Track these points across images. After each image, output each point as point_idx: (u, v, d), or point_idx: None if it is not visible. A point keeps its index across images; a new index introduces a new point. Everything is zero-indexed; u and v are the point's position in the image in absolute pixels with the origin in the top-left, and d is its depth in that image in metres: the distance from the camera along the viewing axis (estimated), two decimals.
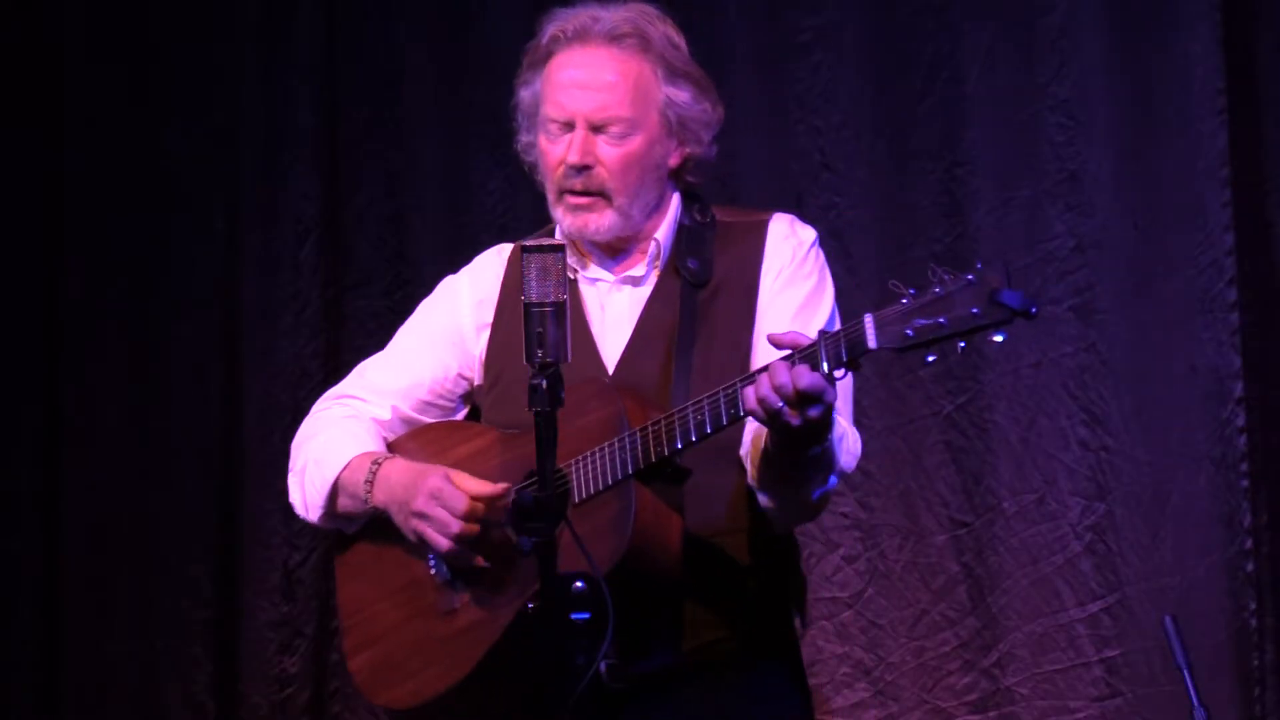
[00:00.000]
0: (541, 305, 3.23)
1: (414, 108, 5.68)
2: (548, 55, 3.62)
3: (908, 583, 5.20)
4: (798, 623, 3.64)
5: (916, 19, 5.26)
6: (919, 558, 5.19)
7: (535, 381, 3.21)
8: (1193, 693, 3.93)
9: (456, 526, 3.48)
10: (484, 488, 3.49)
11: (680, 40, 3.64)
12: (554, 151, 3.59)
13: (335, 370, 5.66)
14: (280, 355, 5.69)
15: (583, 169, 3.56)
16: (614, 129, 3.56)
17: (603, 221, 3.59)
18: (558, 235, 3.66)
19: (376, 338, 5.62)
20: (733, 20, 5.37)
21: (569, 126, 3.57)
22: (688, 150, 3.64)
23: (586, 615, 3.26)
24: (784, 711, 3.60)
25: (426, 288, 5.56)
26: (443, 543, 3.50)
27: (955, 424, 5.19)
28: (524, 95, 3.68)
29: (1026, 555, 5.12)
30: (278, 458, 5.63)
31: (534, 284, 3.23)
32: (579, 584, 3.28)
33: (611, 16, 3.59)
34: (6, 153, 5.82)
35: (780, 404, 3.18)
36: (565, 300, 3.23)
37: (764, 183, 5.30)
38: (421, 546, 3.58)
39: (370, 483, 3.62)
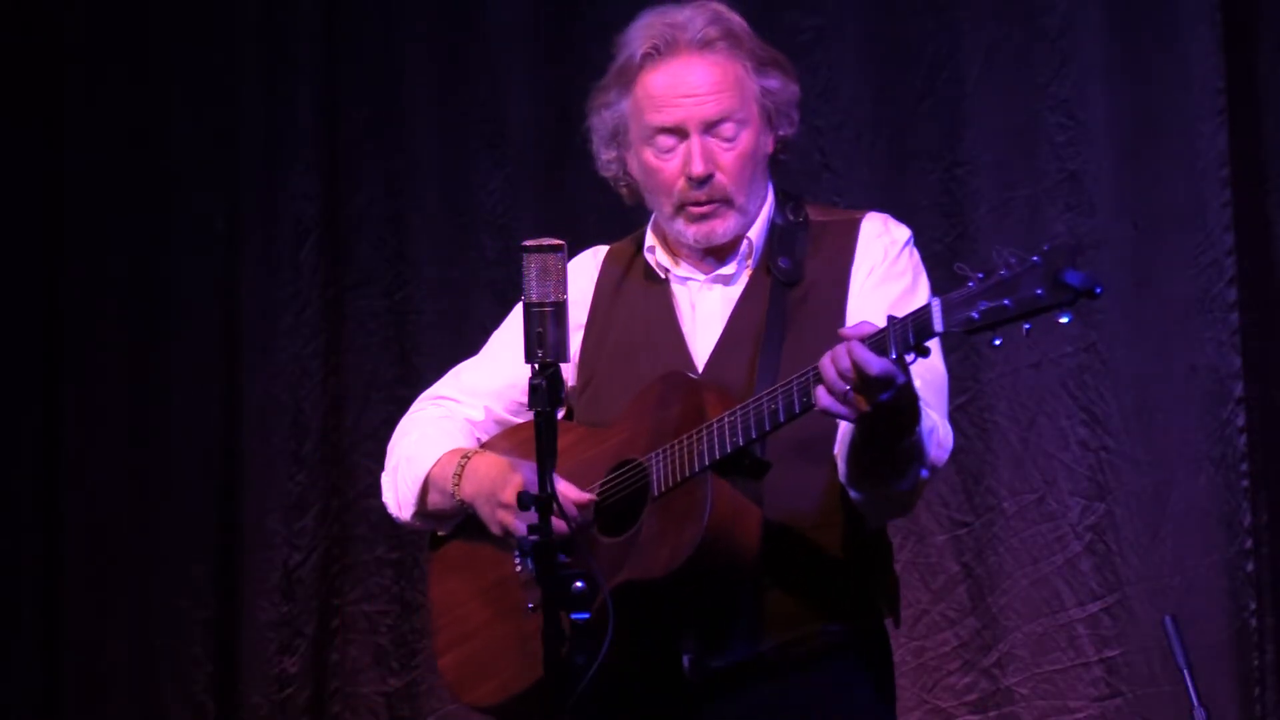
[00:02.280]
0: (541, 305, 3.23)
1: (414, 108, 5.68)
2: (639, 71, 3.59)
3: (908, 583, 5.20)
4: (889, 622, 3.61)
5: (916, 19, 5.27)
6: (919, 558, 5.19)
7: (535, 382, 3.21)
8: (1193, 693, 3.93)
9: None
10: (571, 491, 3.48)
11: (748, 27, 3.65)
12: (669, 167, 3.57)
13: (335, 370, 5.67)
14: (280, 355, 5.69)
15: (706, 179, 3.55)
16: (727, 129, 3.55)
17: (728, 224, 3.59)
18: (648, 239, 3.67)
19: (377, 338, 5.64)
20: None
21: (680, 135, 3.56)
22: (781, 133, 3.65)
23: (586, 615, 3.26)
24: (866, 711, 3.57)
25: (427, 288, 5.62)
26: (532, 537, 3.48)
27: (955, 424, 5.15)
28: (605, 116, 3.65)
29: (1026, 555, 5.12)
30: (278, 458, 5.67)
31: (534, 284, 3.23)
32: (579, 584, 3.28)
33: (694, 22, 3.58)
34: (7, 152, 5.81)
35: (846, 387, 3.18)
36: (565, 300, 3.23)
37: None
38: (506, 540, 3.57)
39: (459, 475, 3.61)
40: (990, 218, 5.17)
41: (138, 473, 5.77)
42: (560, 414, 3.71)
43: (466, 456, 3.63)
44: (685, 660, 3.45)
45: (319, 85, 5.72)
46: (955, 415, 5.17)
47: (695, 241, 3.60)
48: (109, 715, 5.76)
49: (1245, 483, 4.96)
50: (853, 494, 3.45)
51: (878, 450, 3.33)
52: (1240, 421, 4.96)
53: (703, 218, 3.58)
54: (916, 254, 3.65)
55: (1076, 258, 3.05)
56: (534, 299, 3.23)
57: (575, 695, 3.19)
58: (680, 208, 3.58)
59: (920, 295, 3.60)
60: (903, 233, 3.65)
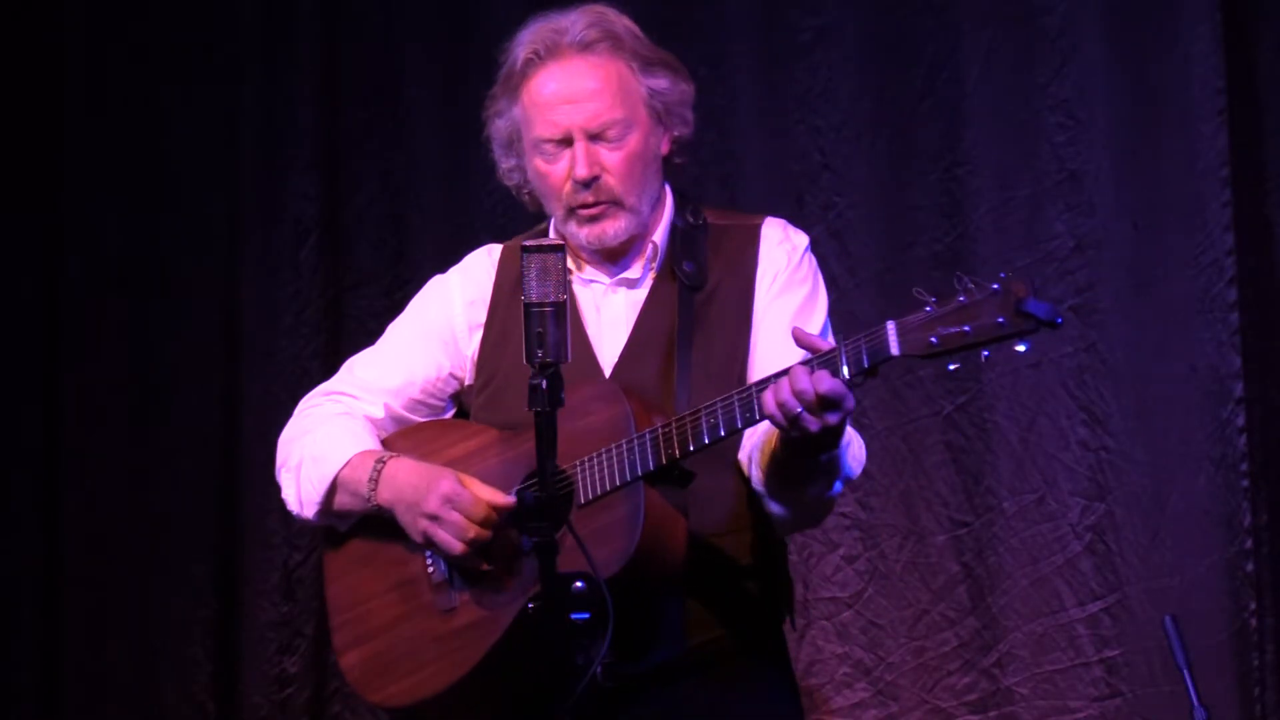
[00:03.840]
0: (542, 305, 3.23)
1: (414, 108, 5.68)
2: (523, 78, 3.62)
3: (908, 583, 5.20)
4: (787, 622, 3.66)
5: (916, 19, 5.26)
6: (919, 558, 5.19)
7: (535, 382, 3.21)
8: (1193, 693, 3.93)
9: (473, 532, 3.49)
10: (498, 497, 3.49)
11: (638, 29, 3.65)
12: (555, 171, 3.60)
13: (335, 370, 5.66)
14: (280, 355, 5.69)
15: (591, 181, 3.56)
16: (611, 132, 3.56)
17: (619, 225, 3.60)
18: (551, 236, 3.67)
19: (377, 337, 5.62)
20: (732, 20, 5.37)
21: (565, 143, 3.57)
22: (675, 133, 3.65)
23: (586, 615, 3.26)
24: (775, 707, 3.62)
25: None
26: (456, 546, 3.50)
27: (955, 424, 5.19)
28: (499, 125, 3.69)
29: (1026, 555, 5.12)
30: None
31: (534, 284, 3.23)
32: (579, 584, 3.28)
33: (575, 26, 3.60)
34: (6, 153, 5.81)
35: (800, 409, 3.19)
36: (565, 300, 3.23)
37: (764, 183, 5.30)
38: (422, 546, 3.58)
39: (375, 481, 3.61)
40: (990, 218, 5.17)
41: (138, 473, 5.77)
42: (451, 413, 3.74)
43: (382, 461, 3.62)
44: (598, 666, 3.45)
45: (319, 85, 5.72)
46: (955, 415, 5.19)
47: (588, 243, 3.61)
48: (109, 715, 5.75)
49: (1245, 483, 4.96)
50: (771, 505, 3.48)
51: (801, 464, 3.36)
52: (1240, 421, 4.96)
53: (593, 219, 3.59)
54: (815, 260, 3.68)
55: (1037, 287, 3.06)
56: (534, 299, 3.23)
57: (575, 696, 3.20)
58: (570, 211, 3.60)
59: (820, 302, 3.63)
60: (802, 239, 3.67)
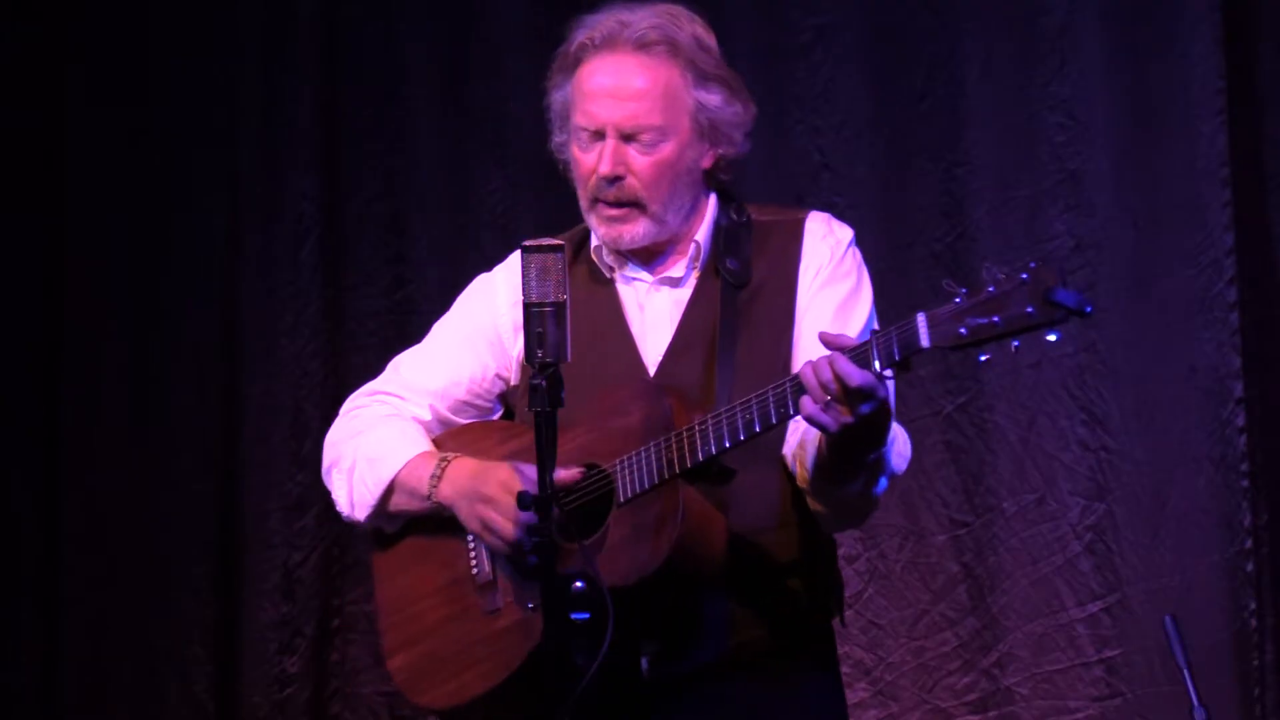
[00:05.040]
0: (541, 305, 3.23)
1: (414, 108, 5.68)
2: (577, 61, 3.60)
3: (908, 583, 5.20)
4: (835, 621, 3.63)
5: (916, 19, 5.27)
6: (919, 558, 5.19)
7: (535, 382, 3.21)
8: (1193, 693, 3.94)
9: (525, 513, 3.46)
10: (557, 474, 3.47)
11: (711, 40, 3.62)
12: (586, 161, 3.58)
13: (335, 370, 5.67)
14: (280, 355, 5.69)
15: (615, 180, 3.55)
16: (645, 137, 3.54)
17: (636, 230, 3.58)
18: (594, 239, 3.67)
19: (377, 337, 5.64)
20: (732, 20, 5.37)
21: (599, 135, 3.56)
22: (720, 151, 3.62)
23: (586, 615, 3.26)
24: (821, 707, 3.60)
25: (426, 288, 5.62)
26: (508, 529, 3.47)
27: (955, 424, 5.19)
28: (555, 98, 3.66)
29: (1026, 555, 5.12)
30: (278, 458, 5.66)
31: (534, 284, 3.23)
32: (579, 584, 3.28)
33: (640, 22, 3.57)
34: (7, 153, 5.81)
35: (829, 400, 3.18)
36: (566, 300, 3.23)
37: (764, 183, 5.30)
38: (469, 546, 3.57)
39: (437, 478, 3.60)
40: (990, 218, 5.17)
41: (138, 473, 5.77)
42: (499, 414, 3.73)
43: (446, 460, 3.61)
44: (644, 662, 3.46)
45: (319, 85, 5.72)
46: (955, 415, 5.19)
47: (605, 241, 3.61)
48: (109, 715, 5.75)
49: (1245, 483, 4.96)
50: (815, 502, 3.47)
51: (846, 461, 3.34)
52: (1240, 421, 4.96)
53: (612, 220, 3.58)
54: (859, 253, 3.66)
55: (1066, 275, 3.04)
56: (534, 299, 3.23)
57: (575, 697, 3.20)
58: (593, 203, 3.60)
59: (865, 295, 3.61)
60: (846, 233, 3.65)
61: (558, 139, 3.68)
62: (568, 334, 3.24)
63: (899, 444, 3.46)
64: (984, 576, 5.15)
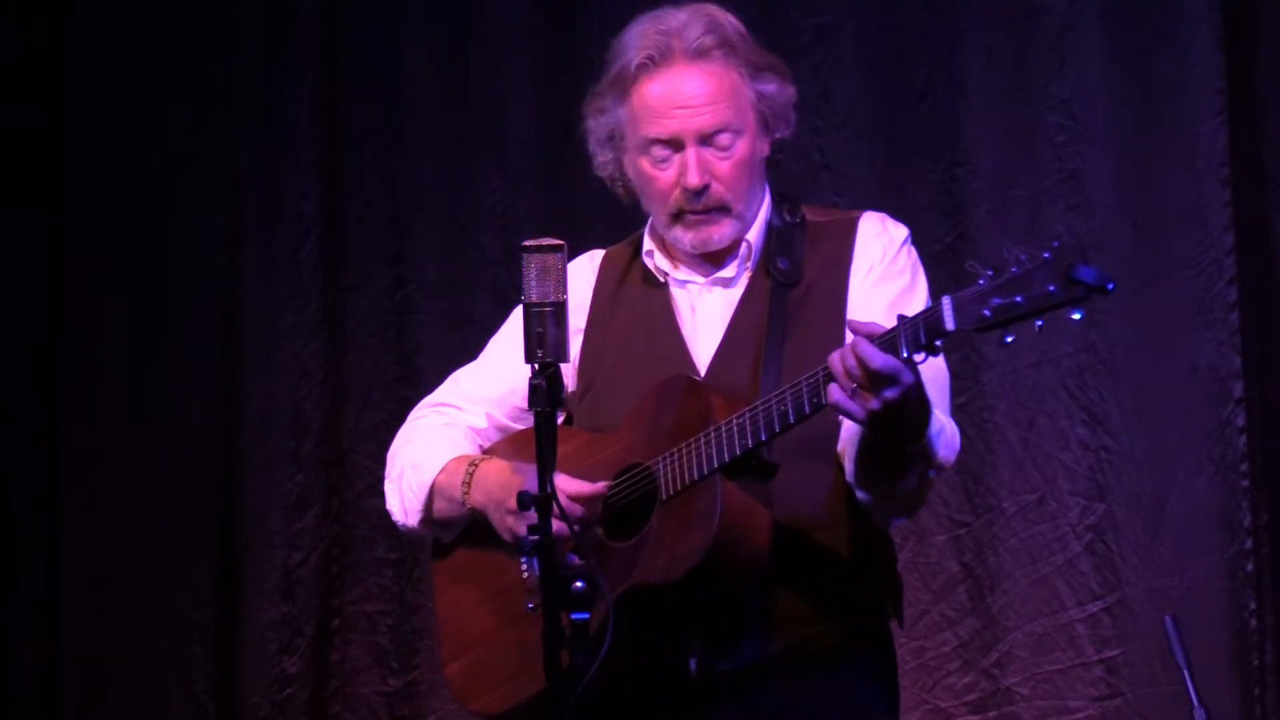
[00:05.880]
0: (541, 305, 3.23)
1: (414, 108, 5.68)
2: (634, 82, 3.58)
3: (908, 583, 5.16)
4: (893, 622, 3.61)
5: (916, 19, 5.27)
6: (919, 558, 5.19)
7: (535, 382, 3.21)
8: (1193, 693, 3.93)
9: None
10: (581, 486, 3.46)
11: (744, 29, 3.63)
12: (664, 177, 3.57)
13: (335, 370, 5.67)
14: (280, 355, 5.69)
15: (703, 190, 3.55)
16: (722, 139, 3.54)
17: (724, 230, 3.58)
18: (645, 243, 3.67)
19: (377, 337, 5.64)
20: None
21: (676, 147, 3.55)
22: (778, 135, 3.64)
23: (586, 615, 3.25)
24: (871, 710, 3.57)
25: (426, 288, 5.62)
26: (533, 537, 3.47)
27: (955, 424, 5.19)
28: (601, 121, 3.64)
29: (1026, 555, 5.12)
30: (278, 458, 5.67)
31: (534, 284, 3.23)
32: (579, 584, 3.28)
33: (689, 31, 3.56)
34: (7, 153, 5.81)
35: (853, 385, 3.17)
36: (565, 300, 3.23)
37: None
38: (514, 547, 3.56)
39: (467, 484, 3.60)
40: (990, 218, 5.17)
41: (138, 473, 5.77)
42: (560, 419, 3.72)
43: (474, 464, 3.62)
44: (692, 663, 3.45)
45: (319, 85, 5.72)
46: (955, 415, 5.18)
47: (693, 248, 3.60)
48: (109, 715, 5.75)
49: (1245, 483, 4.96)
50: (860, 495, 3.45)
51: (887, 451, 3.33)
52: (1240, 421, 4.96)
53: (699, 224, 3.58)
54: (915, 252, 3.65)
55: (1087, 254, 3.04)
56: (534, 299, 3.23)
57: (575, 697, 3.19)
58: (677, 215, 3.59)
59: (919, 293, 3.60)
60: (900, 231, 3.65)
61: (601, 158, 3.67)
62: (568, 333, 3.23)
63: (946, 434, 3.44)
64: (984, 576, 5.15)
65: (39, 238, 5.84)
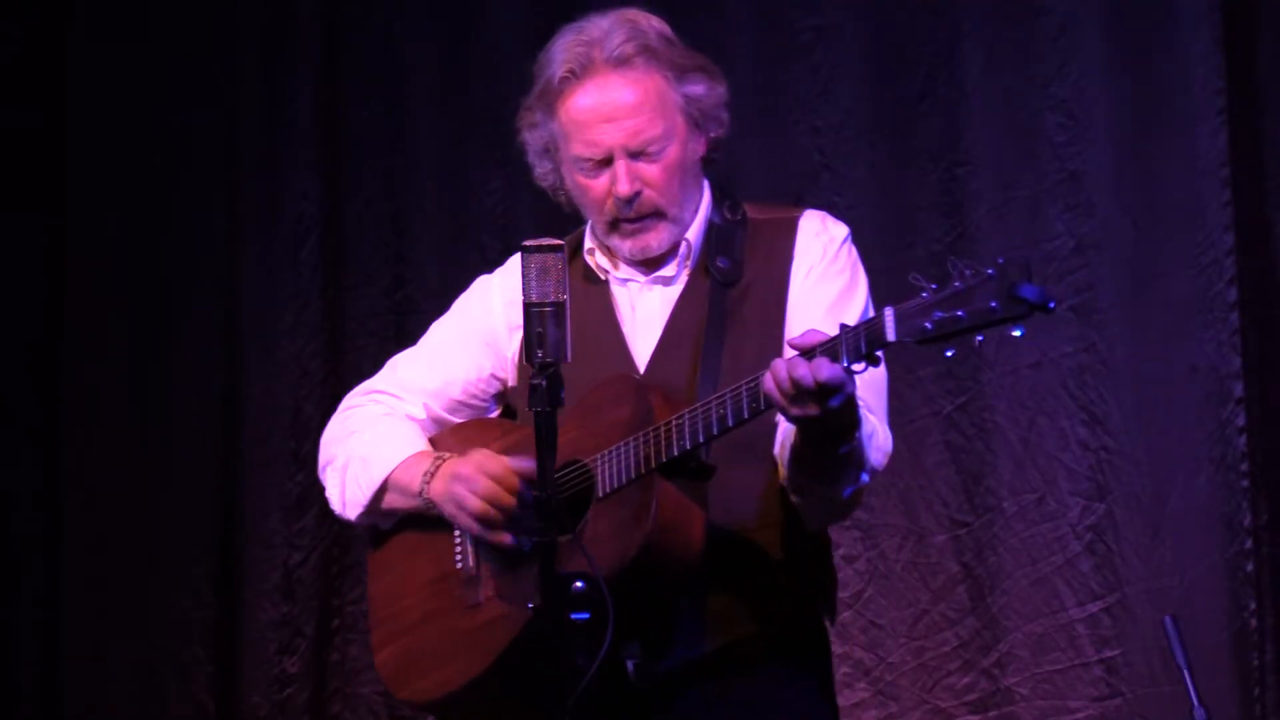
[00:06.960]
0: (541, 305, 3.23)
1: (414, 108, 5.68)
2: (559, 96, 3.60)
3: (908, 583, 5.20)
4: (826, 620, 3.63)
5: (916, 19, 5.27)
6: (919, 558, 5.19)
7: (535, 381, 3.21)
8: (1193, 693, 3.93)
9: (485, 486, 3.48)
10: (522, 463, 3.48)
11: (670, 32, 3.63)
12: (596, 187, 3.59)
13: (335, 370, 5.67)
14: (280, 355, 5.69)
15: (633, 198, 3.56)
16: (651, 147, 3.55)
17: (661, 236, 3.60)
18: (587, 242, 3.69)
19: (377, 337, 5.64)
20: (732, 20, 5.38)
21: (606, 161, 3.57)
22: (711, 135, 3.65)
23: (586, 615, 3.26)
24: (809, 706, 3.59)
25: (426, 288, 5.62)
26: (473, 501, 3.49)
27: (955, 424, 5.19)
28: (536, 134, 3.67)
29: (1026, 555, 5.12)
30: (278, 458, 5.67)
31: (534, 284, 3.24)
32: (579, 584, 3.28)
33: (610, 39, 3.57)
34: (7, 153, 5.82)
35: (797, 394, 3.18)
36: (565, 300, 3.24)
37: (764, 183, 5.30)
38: (448, 537, 3.58)
39: (431, 474, 3.61)
40: (990, 218, 5.17)
41: (138, 473, 5.77)
42: (495, 413, 3.74)
43: (441, 458, 3.63)
44: (630, 665, 3.46)
45: (319, 85, 5.73)
46: (955, 415, 5.19)
47: (631, 255, 3.62)
48: (109, 715, 5.76)
49: (1245, 483, 4.96)
50: (794, 498, 3.47)
51: (820, 456, 3.34)
52: (1240, 421, 4.96)
53: (636, 233, 3.60)
54: (855, 251, 3.66)
55: (1032, 272, 3.05)
56: (534, 299, 3.24)
57: (574, 697, 3.20)
58: (613, 224, 3.60)
59: (859, 292, 3.62)
60: (840, 230, 3.66)
61: (540, 169, 3.70)
62: (568, 333, 3.24)
63: (878, 438, 3.47)
64: (984, 576, 5.15)
65: (39, 238, 5.84)
